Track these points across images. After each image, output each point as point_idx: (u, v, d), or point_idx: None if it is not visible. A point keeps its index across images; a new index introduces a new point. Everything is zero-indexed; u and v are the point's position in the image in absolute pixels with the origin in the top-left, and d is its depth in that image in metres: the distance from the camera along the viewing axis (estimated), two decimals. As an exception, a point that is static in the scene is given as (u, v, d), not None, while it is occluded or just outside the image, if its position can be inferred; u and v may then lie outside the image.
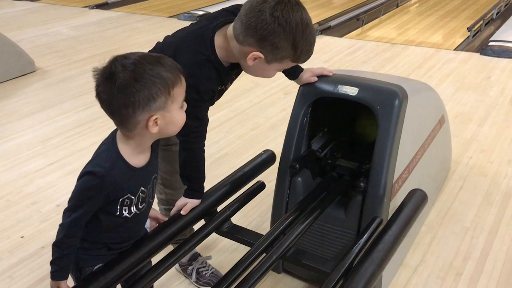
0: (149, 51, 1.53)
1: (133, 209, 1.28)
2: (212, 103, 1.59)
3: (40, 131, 3.21)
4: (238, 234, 1.77)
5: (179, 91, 1.20)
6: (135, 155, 1.24)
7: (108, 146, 1.23)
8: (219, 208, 1.70)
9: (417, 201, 1.66)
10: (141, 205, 1.30)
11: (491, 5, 6.16)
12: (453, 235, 2.18)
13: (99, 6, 6.84)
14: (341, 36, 5.23)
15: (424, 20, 5.85)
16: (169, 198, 1.80)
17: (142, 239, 1.41)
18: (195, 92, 1.42)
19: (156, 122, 1.17)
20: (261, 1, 1.35)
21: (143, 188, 1.28)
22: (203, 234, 1.61)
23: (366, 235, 1.56)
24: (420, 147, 1.97)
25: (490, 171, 2.66)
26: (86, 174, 1.20)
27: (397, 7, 6.51)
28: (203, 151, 1.58)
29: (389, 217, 1.64)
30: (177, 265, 1.93)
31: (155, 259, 1.48)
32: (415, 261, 2.03)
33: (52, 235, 2.18)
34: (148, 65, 1.14)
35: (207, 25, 1.49)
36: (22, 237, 2.24)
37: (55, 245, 1.25)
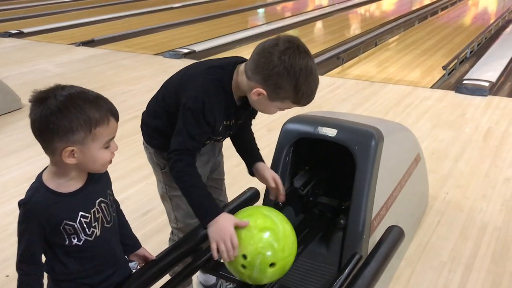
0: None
1: (82, 236, 1.29)
2: (214, 135, 1.64)
3: (26, 168, 3.24)
4: (223, 270, 1.81)
5: (103, 132, 1.24)
6: (61, 181, 1.27)
7: (37, 176, 1.29)
8: (204, 245, 1.75)
9: (394, 237, 1.74)
10: (89, 231, 1.30)
11: (465, 45, 6.43)
12: (431, 269, 2.25)
13: (85, 44, 6.96)
14: (322, 74, 5.40)
15: (402, 58, 6.07)
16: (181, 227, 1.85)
17: (126, 279, 1.43)
18: (200, 107, 1.52)
19: (73, 154, 1.22)
20: (273, 44, 1.47)
21: (83, 213, 1.29)
22: (188, 271, 1.66)
23: (346, 271, 1.63)
24: (397, 184, 2.06)
25: (466, 206, 2.77)
26: (18, 206, 1.26)
27: (376, 45, 6.76)
28: (192, 177, 1.55)
29: (368, 253, 1.71)
30: None
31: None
32: (395, 296, 2.09)
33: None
34: (79, 100, 1.21)
35: (228, 61, 1.60)
36: (7, 276, 2.25)
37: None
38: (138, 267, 1.53)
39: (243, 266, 1.46)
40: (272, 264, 1.45)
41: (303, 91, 1.48)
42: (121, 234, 1.47)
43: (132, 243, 1.53)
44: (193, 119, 1.53)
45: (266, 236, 1.46)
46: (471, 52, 6.23)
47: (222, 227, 1.45)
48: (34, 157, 3.35)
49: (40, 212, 1.24)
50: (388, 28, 7.84)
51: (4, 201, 2.88)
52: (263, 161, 1.79)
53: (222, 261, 1.53)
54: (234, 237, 1.44)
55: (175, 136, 1.57)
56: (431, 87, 4.93)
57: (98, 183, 1.35)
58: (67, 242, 1.28)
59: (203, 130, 1.56)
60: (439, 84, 5.05)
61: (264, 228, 1.48)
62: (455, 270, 2.25)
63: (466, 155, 3.40)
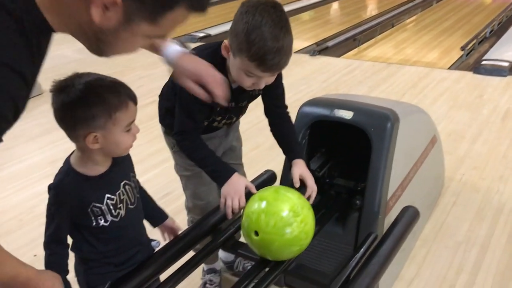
0: None
1: (108, 217, 1.36)
2: (213, 114, 1.65)
3: (49, 152, 3.33)
4: (242, 249, 1.86)
5: (123, 116, 1.28)
6: (87, 165, 1.33)
7: (65, 160, 1.35)
8: (224, 225, 1.81)
9: (409, 217, 1.77)
10: (115, 212, 1.37)
11: (485, 24, 6.33)
12: (447, 249, 2.28)
13: (102, 29, 7.01)
14: (338, 56, 5.39)
15: (419, 39, 6.01)
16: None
17: (149, 257, 1.51)
18: None
19: (96, 139, 1.26)
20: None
21: (109, 195, 1.35)
22: (209, 249, 1.72)
23: (362, 249, 1.67)
24: (413, 166, 2.08)
25: (483, 187, 2.78)
26: (48, 190, 1.32)
27: (393, 26, 6.69)
28: (201, 150, 1.61)
29: (383, 232, 1.75)
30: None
31: (163, 276, 1.58)
32: (410, 274, 2.13)
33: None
34: (97, 87, 1.25)
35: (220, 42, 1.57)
36: (35, 255, 2.34)
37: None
38: (160, 246, 1.59)
39: (256, 233, 1.48)
40: (256, 233, 1.47)
41: (254, 41, 1.37)
42: (148, 209, 1.54)
43: (159, 215, 1.60)
44: (187, 100, 1.55)
45: (259, 205, 1.48)
46: (491, 32, 6.13)
47: (233, 185, 1.55)
48: (56, 142, 3.44)
49: (71, 194, 1.30)
50: (406, 9, 7.73)
51: (29, 184, 2.97)
52: (298, 156, 1.74)
53: (240, 240, 1.59)
54: (243, 196, 1.52)
55: (176, 117, 1.62)
56: (448, 68, 4.89)
57: (122, 166, 1.41)
58: (94, 224, 1.35)
59: (198, 109, 1.56)
60: (457, 65, 4.99)
61: (261, 197, 1.50)
62: (470, 250, 2.27)
63: (483, 136, 3.39)
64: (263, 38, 1.37)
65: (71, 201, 1.31)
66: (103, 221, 1.36)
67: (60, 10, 0.87)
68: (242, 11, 1.43)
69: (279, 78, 1.65)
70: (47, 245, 1.35)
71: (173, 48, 1.43)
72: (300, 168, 1.70)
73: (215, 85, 1.41)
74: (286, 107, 1.78)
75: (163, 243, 1.60)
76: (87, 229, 1.37)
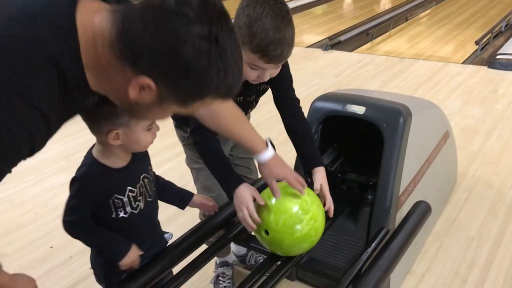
0: None
1: (128, 209, 1.39)
2: None
3: (63, 146, 3.37)
4: (254, 243, 1.88)
5: None
6: (110, 158, 1.35)
7: (87, 153, 1.37)
8: (237, 219, 1.83)
9: (421, 212, 1.77)
10: (135, 204, 1.40)
11: (500, 18, 6.26)
12: (459, 244, 2.28)
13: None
14: (351, 50, 5.37)
15: (433, 33, 5.96)
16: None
17: (163, 250, 1.54)
18: None
19: (118, 136, 1.28)
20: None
21: (131, 188, 1.38)
22: (221, 243, 1.74)
23: (373, 244, 1.68)
24: (425, 161, 2.08)
25: (496, 183, 2.76)
26: (71, 182, 1.34)
27: (406, 20, 6.64)
28: (213, 153, 1.60)
29: (395, 227, 1.75)
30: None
31: (176, 269, 1.60)
32: (422, 269, 2.13)
33: (79, 245, 2.30)
34: None
35: None
36: (51, 247, 2.39)
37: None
38: (172, 239, 1.62)
39: (266, 232, 1.50)
40: (266, 232, 1.49)
41: (256, 33, 1.38)
42: (173, 193, 1.58)
43: (186, 194, 1.62)
44: None
45: (268, 203, 1.49)
46: (506, 26, 6.05)
47: (239, 197, 1.52)
48: (71, 136, 3.46)
49: (95, 186, 1.33)
50: (420, 2, 7.66)
51: (44, 178, 3.02)
52: (319, 164, 1.70)
53: (253, 233, 1.60)
54: (250, 205, 1.49)
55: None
56: (462, 63, 4.84)
57: (141, 160, 1.44)
58: (113, 215, 1.37)
59: None
60: (472, 59, 4.95)
61: (270, 196, 1.50)
62: (482, 245, 2.27)
63: (497, 131, 3.36)
64: (265, 29, 1.39)
65: (95, 192, 1.33)
66: (122, 212, 1.38)
67: (101, 75, 0.95)
68: (243, 5, 1.44)
69: (285, 70, 1.64)
70: (71, 231, 1.38)
71: (268, 154, 1.51)
72: (322, 176, 1.68)
73: (299, 188, 1.50)
74: (297, 100, 1.76)
75: (176, 235, 1.62)
76: (106, 221, 1.39)
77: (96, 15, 0.92)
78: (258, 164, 1.55)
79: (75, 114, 1.08)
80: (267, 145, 1.52)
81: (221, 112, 0.93)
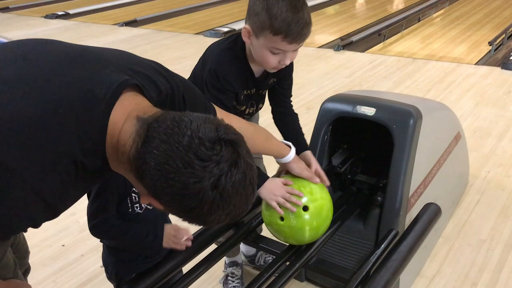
0: None
1: (144, 204, 1.42)
2: (238, 104, 1.69)
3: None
4: (263, 243, 1.89)
5: None
6: None
7: None
8: (246, 219, 1.84)
9: (431, 214, 1.77)
10: None
11: (514, 18, 6.20)
12: (469, 247, 2.27)
13: (128, 24, 7.12)
14: (363, 51, 5.35)
15: (446, 34, 5.91)
16: None
17: (173, 250, 1.55)
18: (215, 79, 1.57)
19: None
20: None
21: None
22: (230, 242, 1.75)
23: (382, 246, 1.68)
24: (436, 163, 2.07)
25: (508, 185, 2.74)
26: None
27: (419, 21, 6.60)
28: None
29: (404, 229, 1.75)
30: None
31: (185, 268, 1.62)
32: (431, 271, 2.12)
33: (90, 244, 2.35)
34: None
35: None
36: (63, 245, 2.42)
37: (122, 238, 1.41)
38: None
39: (281, 219, 1.55)
40: (305, 208, 1.54)
41: (276, 14, 1.42)
42: None
43: None
44: (214, 90, 1.58)
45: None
46: (520, 26, 6.00)
47: (273, 187, 1.56)
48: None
49: (113, 181, 1.36)
50: (433, 3, 7.61)
51: (57, 176, 3.05)
52: (304, 148, 1.76)
53: (262, 233, 1.61)
54: (288, 188, 1.56)
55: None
56: (476, 64, 4.80)
57: None
58: (130, 210, 1.41)
59: (226, 95, 1.60)
60: (485, 60, 4.90)
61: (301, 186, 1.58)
62: (494, 248, 2.25)
63: (510, 133, 3.33)
64: (284, 10, 1.42)
65: (114, 187, 1.36)
66: (138, 208, 1.42)
67: (123, 171, 1.00)
68: None
69: (291, 67, 1.71)
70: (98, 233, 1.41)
71: (292, 153, 1.60)
72: (314, 159, 1.74)
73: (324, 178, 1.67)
74: (290, 95, 1.84)
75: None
76: (124, 217, 1.42)
77: (127, 120, 0.95)
78: (287, 164, 1.61)
79: (96, 181, 1.17)
80: (290, 146, 1.61)
81: (249, 139, 0.97)
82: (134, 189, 1.40)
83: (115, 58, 1.07)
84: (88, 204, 1.39)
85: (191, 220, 0.97)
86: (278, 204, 1.54)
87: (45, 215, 0.97)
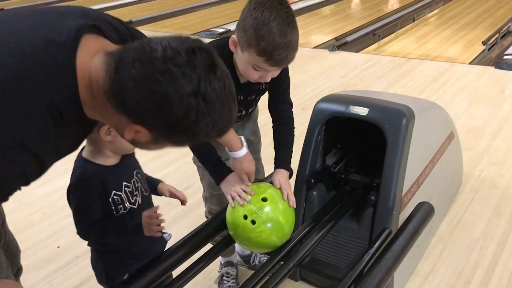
0: None
1: (127, 204, 1.41)
2: None
3: (71, 147, 3.41)
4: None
5: None
6: (100, 158, 1.38)
7: (76, 157, 1.39)
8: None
9: (424, 213, 1.78)
10: (132, 199, 1.43)
11: (507, 18, 6.22)
12: (463, 245, 2.28)
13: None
14: (357, 51, 5.36)
15: (440, 33, 5.94)
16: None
17: (167, 250, 1.55)
18: None
19: (109, 131, 1.30)
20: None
21: (126, 183, 1.41)
22: (224, 242, 1.75)
23: (376, 245, 1.69)
24: (429, 162, 2.09)
25: (502, 184, 2.75)
26: (68, 192, 1.36)
27: (413, 21, 6.62)
28: (204, 148, 1.70)
29: (398, 228, 1.76)
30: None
31: (180, 268, 1.62)
32: (426, 270, 2.14)
33: (85, 246, 2.32)
34: None
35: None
36: (58, 247, 2.42)
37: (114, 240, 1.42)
38: (171, 239, 1.63)
39: (245, 217, 1.59)
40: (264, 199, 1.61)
41: (264, 36, 1.41)
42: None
43: (153, 183, 1.60)
44: None
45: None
46: (513, 26, 6.03)
47: (229, 182, 1.66)
48: (79, 137, 3.51)
49: (95, 185, 1.35)
50: (427, 3, 7.64)
51: (52, 178, 3.04)
52: (282, 166, 1.75)
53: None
54: (242, 185, 1.63)
55: None
56: (470, 63, 4.83)
57: (131, 157, 1.47)
58: (115, 212, 1.40)
59: None
60: (479, 60, 4.93)
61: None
62: (487, 247, 2.27)
63: (504, 132, 3.35)
64: (272, 34, 1.42)
65: (98, 191, 1.36)
66: (122, 209, 1.41)
67: (98, 113, 1.01)
68: (250, 8, 1.46)
69: (285, 72, 1.70)
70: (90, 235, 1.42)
71: (243, 151, 1.65)
72: (281, 176, 1.72)
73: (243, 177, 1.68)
74: (289, 104, 1.81)
75: (180, 236, 1.64)
76: (110, 219, 1.41)
77: (94, 58, 0.96)
78: (232, 160, 1.67)
79: (79, 140, 1.14)
80: (242, 144, 1.64)
81: None
82: (115, 191, 1.38)
83: (72, 9, 1.08)
84: (72, 212, 1.39)
85: (180, 138, 0.98)
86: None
87: (33, 167, 0.97)
